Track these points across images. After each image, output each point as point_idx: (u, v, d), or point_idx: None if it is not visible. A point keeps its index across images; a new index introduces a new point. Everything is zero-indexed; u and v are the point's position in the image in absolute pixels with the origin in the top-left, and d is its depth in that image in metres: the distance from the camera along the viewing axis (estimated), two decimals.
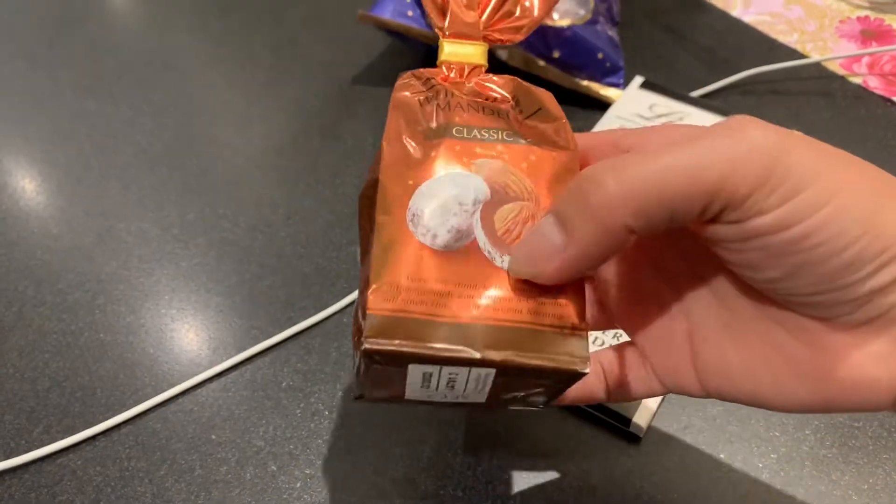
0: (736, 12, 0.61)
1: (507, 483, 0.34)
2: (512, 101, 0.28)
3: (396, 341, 0.22)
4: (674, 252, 0.26)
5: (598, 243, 0.21)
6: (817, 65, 0.55)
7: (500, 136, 0.26)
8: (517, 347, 0.22)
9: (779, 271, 0.21)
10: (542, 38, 0.52)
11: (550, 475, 0.35)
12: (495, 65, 0.54)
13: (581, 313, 0.23)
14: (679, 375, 0.26)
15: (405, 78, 0.28)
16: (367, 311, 0.22)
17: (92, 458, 0.36)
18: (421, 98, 0.27)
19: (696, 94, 0.53)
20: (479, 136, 0.26)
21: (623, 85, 0.52)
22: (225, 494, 0.34)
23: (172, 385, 0.38)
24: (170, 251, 0.45)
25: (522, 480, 0.34)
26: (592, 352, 0.28)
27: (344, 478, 0.35)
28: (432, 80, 0.28)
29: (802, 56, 0.56)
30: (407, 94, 0.27)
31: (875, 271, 0.20)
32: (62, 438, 0.36)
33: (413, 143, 0.25)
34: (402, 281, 0.22)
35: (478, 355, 0.22)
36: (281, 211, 0.47)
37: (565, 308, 0.23)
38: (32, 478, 0.35)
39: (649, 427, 0.36)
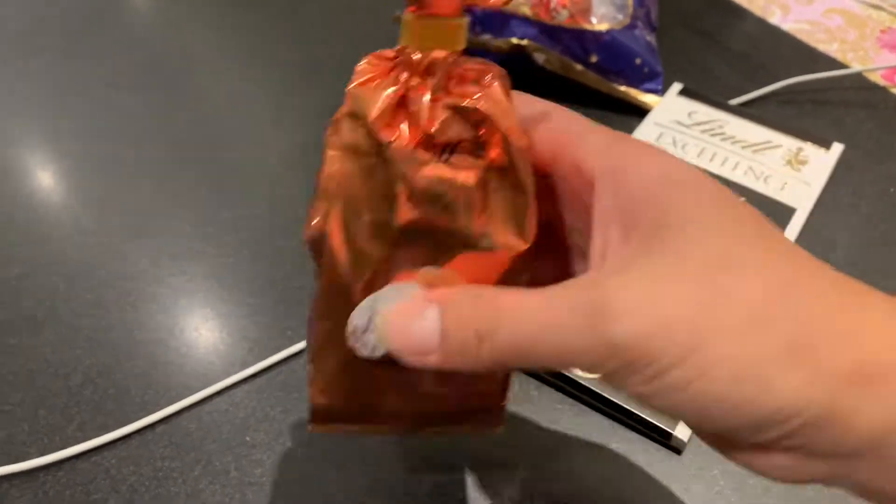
0: (774, 19, 0.60)
1: (548, 495, 0.34)
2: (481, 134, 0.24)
3: (336, 425, 0.27)
4: None
5: (470, 370, 0.22)
6: (859, 75, 0.54)
7: (455, 242, 0.24)
8: (442, 425, 0.27)
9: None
10: (580, 42, 0.51)
11: (590, 488, 0.34)
12: (532, 70, 0.54)
13: (503, 391, 0.26)
14: None
15: (359, 83, 0.24)
16: (309, 401, 0.26)
17: (126, 456, 0.36)
18: (364, 163, 0.23)
19: (734, 102, 0.52)
20: (424, 246, 0.24)
21: (661, 91, 0.52)
22: (260, 497, 0.34)
23: (206, 385, 0.38)
24: (202, 249, 0.45)
25: (562, 492, 0.34)
26: None
27: (379, 479, 0.35)
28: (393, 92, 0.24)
29: (843, 66, 0.55)
30: (349, 165, 0.24)
31: (774, 425, 0.19)
32: (97, 437, 0.36)
33: (360, 239, 0.24)
34: (341, 380, 0.26)
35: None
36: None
37: (488, 387, 0.26)
38: (67, 475, 0.35)
39: (690, 440, 0.35)
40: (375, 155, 0.23)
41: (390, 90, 0.23)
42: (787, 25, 0.59)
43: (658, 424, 0.35)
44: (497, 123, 0.23)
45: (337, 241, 0.24)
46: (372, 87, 0.23)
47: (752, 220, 0.21)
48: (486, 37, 0.52)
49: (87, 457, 0.36)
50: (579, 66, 0.51)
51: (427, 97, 0.23)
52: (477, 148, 0.24)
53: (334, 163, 0.24)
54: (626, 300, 0.19)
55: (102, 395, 0.38)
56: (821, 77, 0.53)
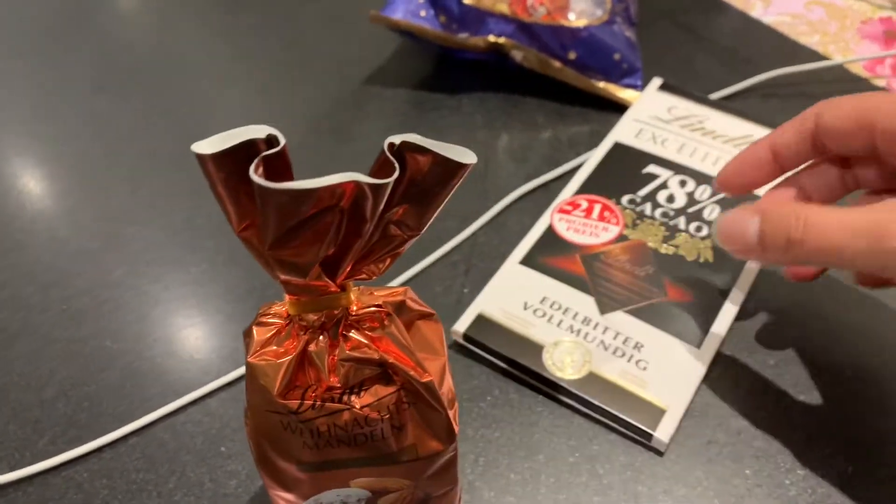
0: (755, 13, 0.59)
1: (523, 497, 0.33)
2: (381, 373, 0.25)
3: None
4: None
5: (778, 263, 0.31)
6: (840, 67, 0.54)
7: (379, 460, 0.26)
8: None
9: None
10: (558, 38, 0.51)
11: (569, 488, 0.34)
12: (509, 67, 0.53)
13: None
14: None
15: (258, 352, 0.25)
16: None
17: (98, 470, 0.35)
18: (285, 420, 0.25)
19: (715, 96, 0.52)
20: (352, 467, 0.26)
21: (641, 86, 0.51)
22: None
23: (181, 395, 0.37)
24: (178, 256, 0.44)
25: (541, 492, 0.33)
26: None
27: None
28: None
29: (824, 58, 0.55)
30: (263, 418, 0.25)
31: None
32: (68, 450, 0.35)
33: (288, 467, 0.26)
34: None
35: None
36: None
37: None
38: (37, 491, 0.34)
39: (671, 441, 0.35)
40: (287, 413, 0.24)
41: (288, 358, 0.24)
42: (769, 18, 0.59)
43: (639, 426, 0.34)
44: (397, 367, 0.25)
45: (259, 460, 0.26)
46: (271, 355, 0.24)
47: None
48: (463, 35, 0.52)
49: (59, 471, 0.35)
50: (557, 63, 0.51)
51: (325, 354, 0.24)
52: (385, 379, 0.25)
53: (252, 401, 0.25)
54: None
55: (75, 407, 0.37)
56: (802, 70, 0.53)
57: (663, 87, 0.51)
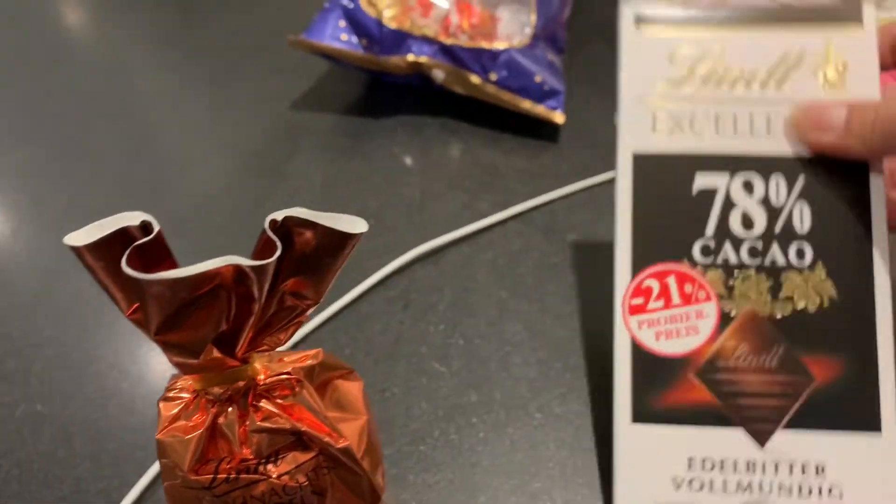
0: None
1: None
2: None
3: None
4: None
5: (860, 150, 0.30)
6: None
7: None
8: None
9: None
10: (479, 61, 0.50)
11: None
12: (433, 89, 0.53)
13: None
14: None
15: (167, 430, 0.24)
16: None
17: None
18: (199, 495, 0.24)
19: None
20: None
21: (563, 109, 0.51)
22: None
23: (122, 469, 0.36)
24: (112, 310, 0.43)
25: None
26: None
27: None
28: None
29: None
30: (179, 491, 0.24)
31: None
32: None
33: None
34: None
35: None
36: None
37: None
38: None
39: None
40: (200, 489, 0.24)
41: (198, 433, 0.24)
42: None
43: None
44: (311, 435, 0.24)
45: None
46: (180, 431, 0.24)
47: None
48: (384, 57, 0.51)
49: None
50: (481, 84, 0.51)
51: (235, 425, 0.24)
52: (303, 444, 0.24)
53: (165, 477, 0.24)
54: None
55: (6, 475, 0.36)
56: None
57: (641, 20, 0.34)
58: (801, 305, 0.31)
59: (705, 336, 0.31)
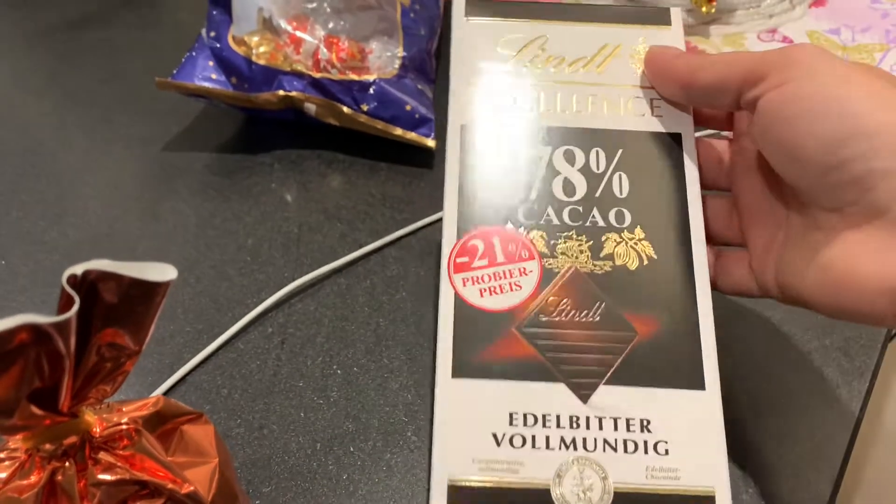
0: None
1: None
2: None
3: None
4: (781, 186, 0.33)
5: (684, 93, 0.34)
6: None
7: None
8: None
9: (782, 156, 0.29)
10: (349, 92, 0.51)
11: None
12: (306, 122, 0.53)
13: None
14: (765, 275, 0.32)
15: None
16: None
17: None
18: None
19: None
20: None
21: (434, 134, 0.52)
22: None
23: None
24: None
25: None
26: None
27: None
28: None
29: None
30: None
31: (850, 159, 0.26)
32: None
33: None
34: None
35: None
36: None
37: None
38: None
39: None
40: None
41: (34, 491, 0.23)
42: None
43: None
44: (154, 482, 0.24)
45: None
46: (15, 491, 0.23)
47: None
48: (254, 94, 0.52)
49: None
50: (353, 115, 0.51)
51: (74, 481, 0.23)
52: (150, 494, 0.24)
53: None
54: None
55: None
56: None
57: (474, 10, 0.38)
58: (620, 263, 0.32)
59: (528, 292, 0.31)
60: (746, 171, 0.34)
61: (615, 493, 0.28)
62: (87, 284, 0.21)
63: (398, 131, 0.52)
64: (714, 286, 0.34)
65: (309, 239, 0.48)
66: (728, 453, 0.29)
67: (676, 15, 0.38)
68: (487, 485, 0.28)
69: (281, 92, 0.52)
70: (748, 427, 0.37)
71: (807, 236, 0.30)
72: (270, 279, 0.45)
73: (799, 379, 0.40)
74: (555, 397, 0.30)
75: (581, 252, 0.32)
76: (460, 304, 0.31)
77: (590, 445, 0.29)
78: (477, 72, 0.36)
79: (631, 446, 0.29)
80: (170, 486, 0.24)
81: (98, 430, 0.24)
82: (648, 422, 0.30)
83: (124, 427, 0.24)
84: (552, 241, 0.33)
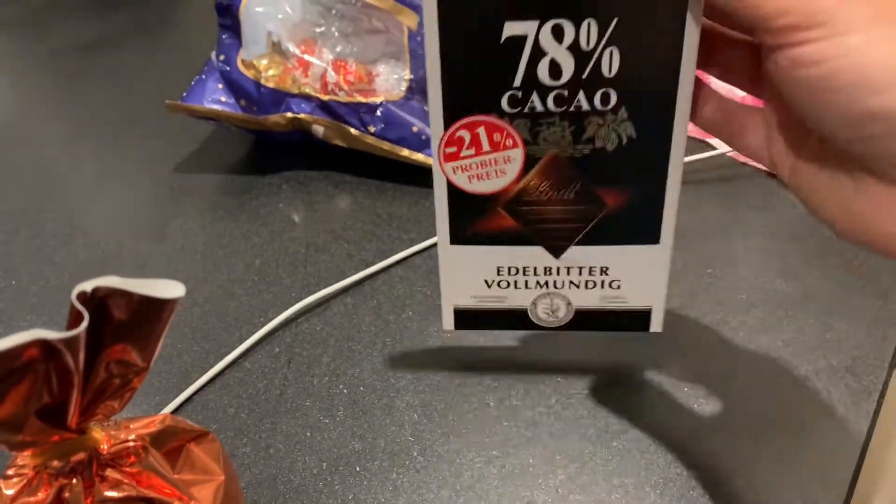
0: None
1: None
2: None
3: None
4: None
5: None
6: None
7: None
8: None
9: (817, 112, 0.26)
10: (357, 114, 0.52)
11: None
12: (314, 143, 0.54)
13: None
14: (783, 170, 0.31)
15: None
16: None
17: None
18: None
19: None
20: None
21: None
22: None
23: None
24: None
25: None
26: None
27: None
28: None
29: None
30: None
31: (873, 136, 0.24)
32: None
33: None
34: None
35: None
36: None
37: None
38: None
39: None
40: None
41: None
42: None
43: (633, 319, 0.37)
44: (160, 500, 0.24)
45: None
46: None
47: None
48: (263, 116, 0.52)
49: None
50: (361, 136, 0.52)
51: (81, 497, 0.24)
52: None
53: None
54: None
55: None
56: None
57: None
58: (599, 145, 0.33)
59: (512, 177, 0.35)
60: (775, 94, 0.30)
61: (576, 311, 0.38)
62: (97, 301, 0.21)
63: (405, 152, 0.53)
64: (728, 143, 0.33)
65: (316, 259, 0.48)
66: (735, 473, 0.30)
67: None
68: (481, 307, 0.38)
69: (289, 114, 0.52)
70: (757, 446, 0.37)
71: (836, 175, 0.28)
72: (277, 299, 0.45)
73: (806, 399, 0.40)
74: (533, 255, 0.37)
75: (563, 138, 0.34)
76: (452, 188, 0.35)
77: (559, 285, 0.37)
78: None
79: (591, 284, 0.37)
80: (176, 502, 0.24)
81: (105, 447, 0.24)
82: (607, 268, 0.37)
83: (131, 444, 0.24)
84: (535, 129, 0.33)
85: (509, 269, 0.37)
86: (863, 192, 0.27)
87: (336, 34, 0.56)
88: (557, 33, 0.31)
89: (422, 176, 0.53)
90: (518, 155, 0.34)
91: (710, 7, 0.29)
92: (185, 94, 0.53)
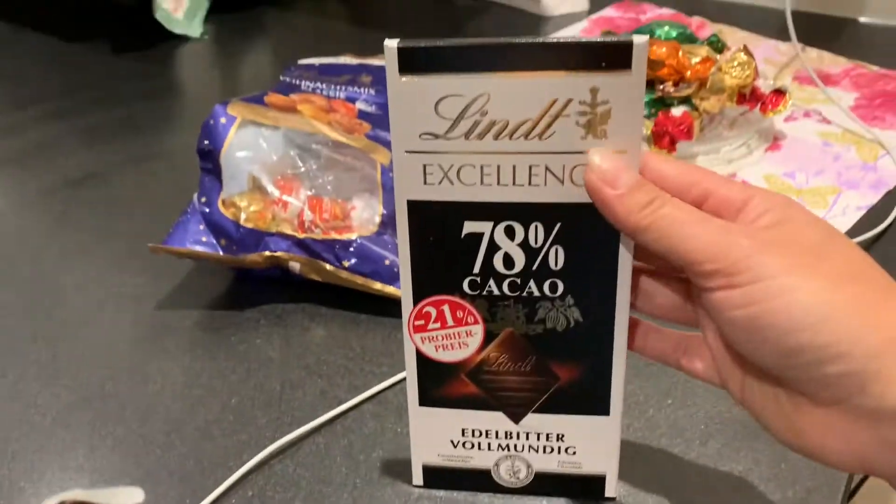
0: None
1: None
2: None
3: None
4: None
5: (620, 214, 0.32)
6: None
7: None
8: None
9: (748, 345, 0.30)
10: (332, 251, 0.55)
11: None
12: (290, 279, 0.56)
13: None
14: (730, 385, 0.34)
15: None
16: None
17: None
18: None
19: None
20: None
21: None
22: None
23: None
24: None
25: None
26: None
27: None
28: None
29: None
30: None
31: (823, 361, 0.27)
32: None
33: None
34: None
35: None
36: (86, 476, 0.45)
37: None
38: None
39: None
40: None
41: None
42: None
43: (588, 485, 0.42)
44: None
45: None
46: None
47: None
48: (242, 255, 0.55)
49: None
50: (332, 269, 0.54)
51: None
52: None
53: None
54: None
55: None
56: None
57: (408, 65, 0.33)
58: (550, 325, 0.38)
59: (473, 349, 0.39)
60: (711, 323, 0.33)
61: (535, 474, 0.42)
62: None
63: (377, 285, 0.55)
64: (678, 369, 0.37)
65: (290, 396, 0.50)
66: None
67: (640, 52, 0.31)
68: (447, 466, 0.42)
69: (267, 252, 0.55)
70: None
71: (778, 396, 0.31)
72: (252, 439, 0.47)
73: None
74: (495, 419, 0.41)
75: (517, 318, 0.38)
76: (420, 356, 0.40)
77: (519, 448, 0.41)
78: (417, 142, 0.34)
79: (549, 449, 0.41)
80: None
81: None
82: (563, 435, 0.41)
83: None
84: (493, 310, 0.38)
85: (473, 431, 0.41)
86: (799, 412, 0.30)
87: (312, 173, 0.59)
88: (510, 232, 0.36)
89: (395, 307, 0.55)
90: (479, 330, 0.39)
91: (642, 249, 0.34)
92: (167, 236, 0.56)
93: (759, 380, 0.32)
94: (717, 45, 0.71)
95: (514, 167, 0.34)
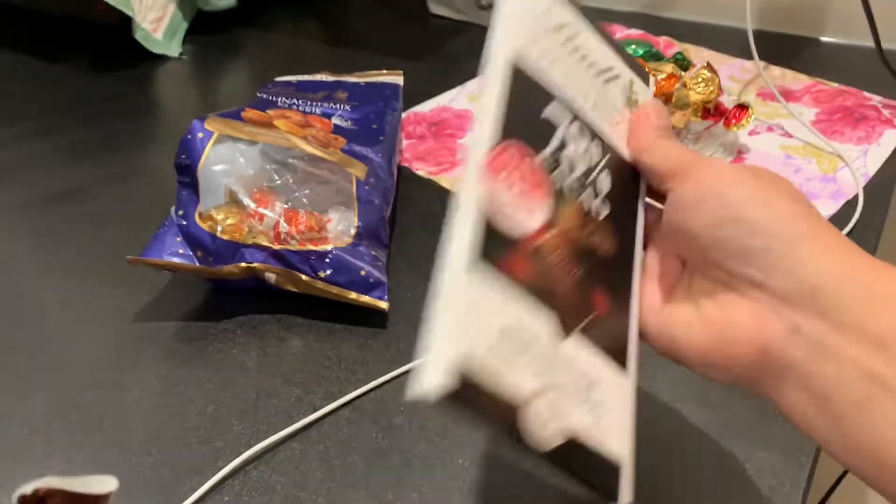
0: None
1: None
2: None
3: None
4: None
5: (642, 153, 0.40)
6: None
7: None
8: None
9: (690, 214, 0.35)
10: (308, 262, 0.56)
11: None
12: (267, 289, 0.57)
13: None
14: (648, 326, 0.38)
15: None
16: None
17: None
18: None
19: None
20: None
21: (386, 297, 0.56)
22: None
23: None
24: None
25: None
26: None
27: None
28: None
29: None
30: None
31: (749, 234, 0.32)
32: None
33: None
34: None
35: None
36: None
37: None
38: None
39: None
40: None
41: None
42: None
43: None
44: None
45: None
46: None
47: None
48: (218, 266, 0.56)
49: None
50: (308, 279, 0.56)
51: None
52: None
53: None
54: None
55: None
56: None
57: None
58: (595, 244, 0.37)
59: (538, 222, 0.34)
60: (656, 240, 0.41)
61: (567, 439, 0.32)
62: (37, 500, 0.23)
63: (353, 295, 0.56)
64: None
65: (266, 404, 0.51)
66: None
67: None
68: (477, 382, 0.28)
69: (243, 264, 0.56)
70: None
71: (697, 298, 0.36)
72: (228, 446, 0.47)
73: None
74: (538, 336, 0.32)
75: (573, 220, 0.36)
76: (480, 215, 0.31)
77: (552, 383, 0.32)
78: (529, 18, 0.37)
79: (581, 398, 0.33)
80: None
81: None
82: (593, 384, 0.34)
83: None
84: (556, 199, 0.35)
85: (513, 335, 0.31)
86: (715, 302, 0.35)
87: (289, 186, 0.60)
88: (579, 135, 0.38)
89: (369, 317, 0.57)
90: (544, 207, 0.34)
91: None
92: (144, 248, 0.57)
93: (689, 277, 0.37)
94: (683, 63, 0.73)
95: (586, 88, 0.39)
